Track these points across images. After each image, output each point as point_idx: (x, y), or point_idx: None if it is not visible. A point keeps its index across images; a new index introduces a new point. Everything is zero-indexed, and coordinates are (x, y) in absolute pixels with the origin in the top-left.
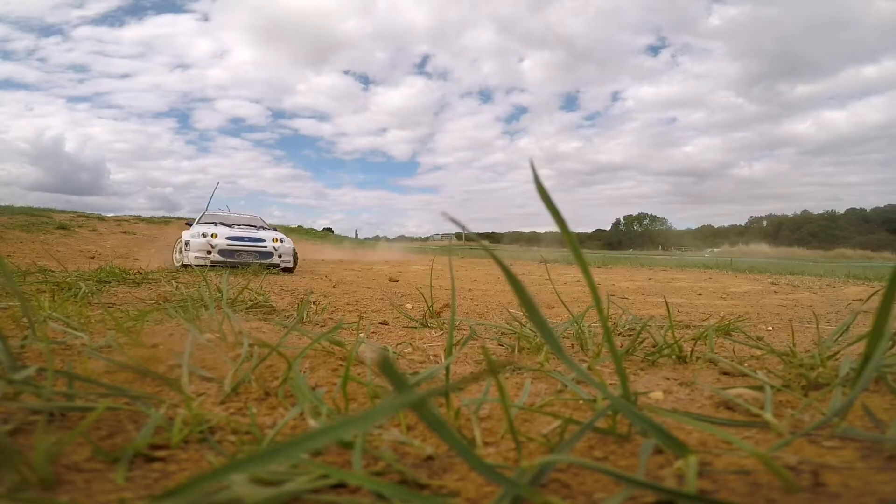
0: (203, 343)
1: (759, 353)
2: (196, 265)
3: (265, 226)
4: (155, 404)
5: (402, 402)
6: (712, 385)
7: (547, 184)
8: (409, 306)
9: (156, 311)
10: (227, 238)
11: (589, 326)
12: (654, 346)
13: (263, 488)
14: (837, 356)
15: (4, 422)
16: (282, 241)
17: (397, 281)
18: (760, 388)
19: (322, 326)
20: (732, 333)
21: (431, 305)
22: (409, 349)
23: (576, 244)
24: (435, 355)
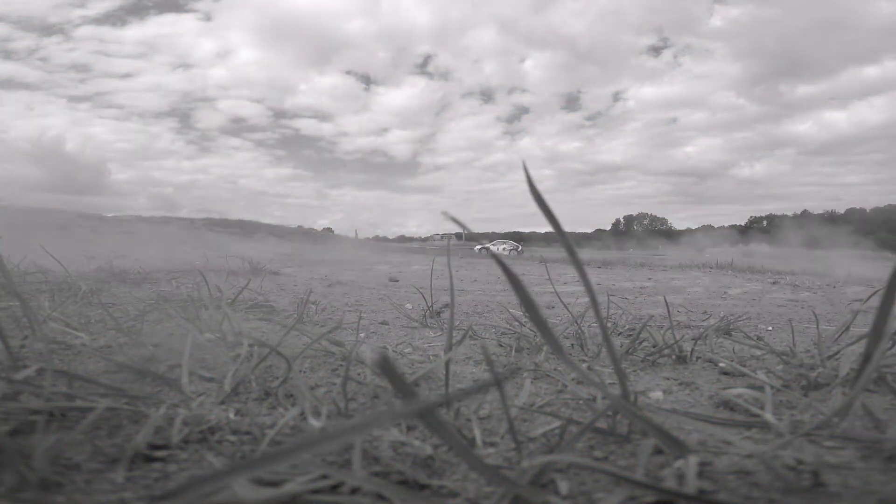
0: (203, 343)
1: (759, 353)
2: None
3: None
4: (155, 404)
5: (408, 411)
6: (712, 385)
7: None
8: (408, 306)
9: (156, 311)
10: None
11: (589, 326)
12: (654, 346)
13: (263, 488)
14: (837, 356)
15: (4, 422)
16: None
17: (397, 281)
18: (760, 388)
19: (322, 326)
20: (732, 333)
21: (431, 305)
22: (409, 349)
23: (571, 245)
24: (434, 355)
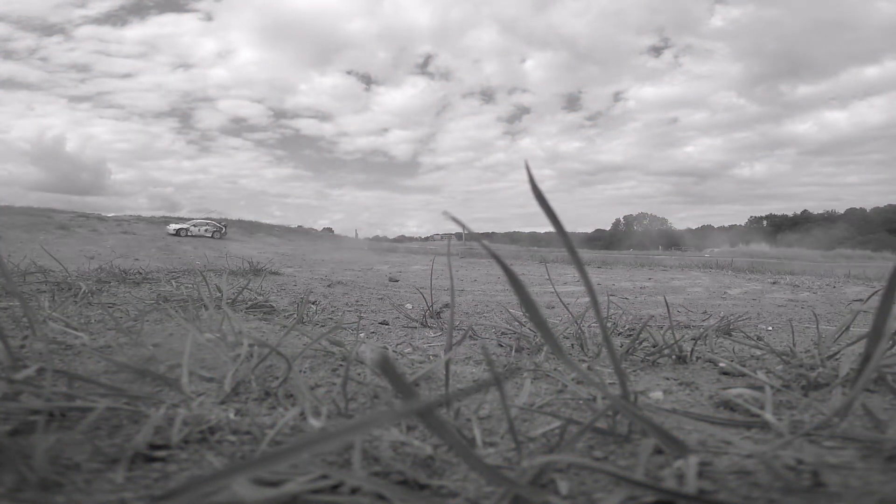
0: (203, 343)
1: (759, 353)
2: None
3: None
4: (155, 404)
5: (408, 411)
6: (712, 385)
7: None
8: (409, 306)
9: (156, 311)
10: None
11: (589, 326)
12: (654, 347)
13: (263, 488)
14: (837, 356)
15: (4, 422)
16: None
17: (397, 281)
18: (760, 388)
19: (322, 326)
20: (732, 333)
21: (431, 305)
22: (409, 349)
23: (572, 245)
24: (434, 355)
